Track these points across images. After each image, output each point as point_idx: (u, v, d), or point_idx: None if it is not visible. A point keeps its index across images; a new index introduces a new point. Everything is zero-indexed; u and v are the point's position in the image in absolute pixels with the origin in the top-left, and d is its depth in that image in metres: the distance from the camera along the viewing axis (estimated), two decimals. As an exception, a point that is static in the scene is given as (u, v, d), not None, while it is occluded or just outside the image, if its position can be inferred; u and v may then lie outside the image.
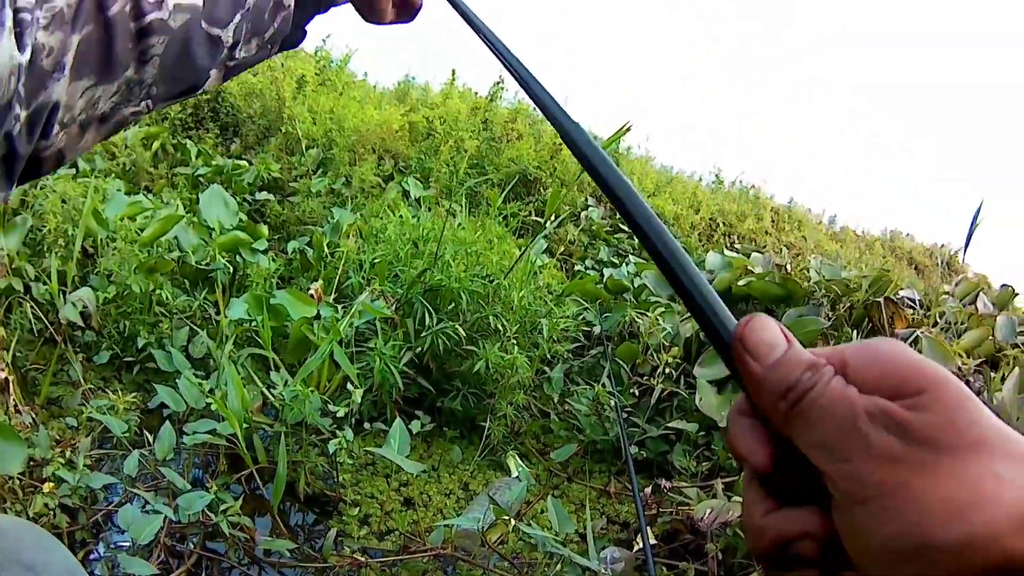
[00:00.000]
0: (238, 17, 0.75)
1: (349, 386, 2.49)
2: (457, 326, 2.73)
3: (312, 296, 2.82)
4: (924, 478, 0.32)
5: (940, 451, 0.32)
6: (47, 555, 0.64)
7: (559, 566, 1.94)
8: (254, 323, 2.75)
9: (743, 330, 0.40)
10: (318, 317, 2.74)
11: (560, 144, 5.70)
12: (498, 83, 6.42)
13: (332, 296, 2.99)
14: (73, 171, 5.04)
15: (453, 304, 2.86)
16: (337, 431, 2.35)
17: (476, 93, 6.77)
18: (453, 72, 6.79)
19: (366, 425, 2.67)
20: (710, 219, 6.15)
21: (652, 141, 8.32)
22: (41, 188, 4.16)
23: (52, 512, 1.93)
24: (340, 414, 2.38)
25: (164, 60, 0.70)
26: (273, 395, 2.41)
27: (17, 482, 1.96)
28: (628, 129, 2.90)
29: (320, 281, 3.00)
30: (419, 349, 2.78)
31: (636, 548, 2.15)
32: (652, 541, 2.18)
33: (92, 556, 1.98)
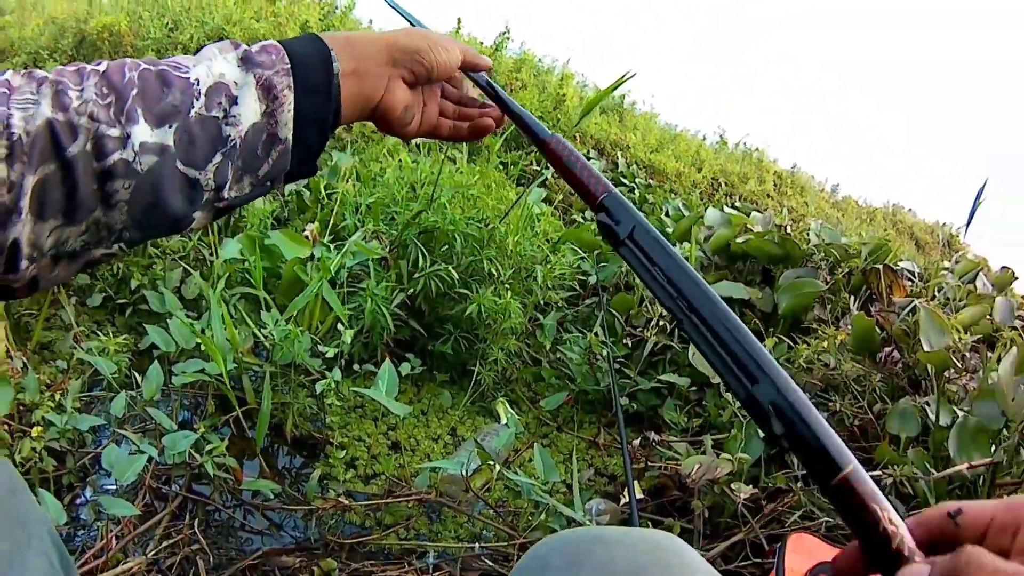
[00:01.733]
0: (219, 157, 0.67)
1: (340, 327, 2.46)
2: (451, 268, 2.69)
3: (307, 237, 2.78)
4: None
5: None
6: None
7: (543, 515, 1.92)
8: (247, 263, 2.72)
9: None
10: (312, 258, 2.70)
11: (564, 95, 5.63)
12: (504, 33, 6.33)
13: (328, 237, 2.95)
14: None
15: (447, 246, 2.81)
16: (326, 372, 2.32)
17: (481, 42, 6.67)
18: (459, 21, 6.67)
19: (356, 367, 2.64)
20: (712, 179, 6.10)
21: (656, 99, 8.24)
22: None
23: (38, 455, 1.90)
24: (330, 355, 2.35)
25: (132, 206, 0.64)
26: (264, 335, 2.38)
27: (5, 428, 1.92)
28: (632, 75, 2.82)
29: (316, 223, 2.95)
30: (412, 291, 2.75)
31: (622, 502, 2.13)
32: (639, 495, 2.17)
33: (79, 500, 1.96)
